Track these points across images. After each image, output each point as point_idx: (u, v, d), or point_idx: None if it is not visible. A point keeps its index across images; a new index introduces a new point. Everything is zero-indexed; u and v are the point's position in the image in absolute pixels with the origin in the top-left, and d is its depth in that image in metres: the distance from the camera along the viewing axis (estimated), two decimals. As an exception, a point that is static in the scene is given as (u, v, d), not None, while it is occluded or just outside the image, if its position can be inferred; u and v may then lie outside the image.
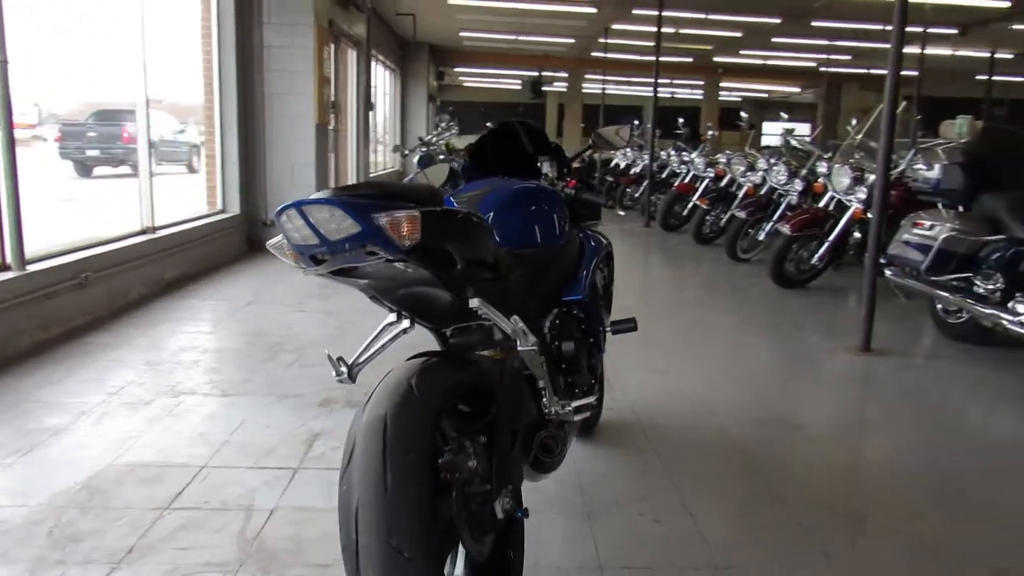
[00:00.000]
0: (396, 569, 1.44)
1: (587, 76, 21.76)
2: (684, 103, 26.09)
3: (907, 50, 14.71)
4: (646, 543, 2.33)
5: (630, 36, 15.41)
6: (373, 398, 1.61)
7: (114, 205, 8.58)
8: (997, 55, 15.65)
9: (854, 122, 6.90)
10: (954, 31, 12.77)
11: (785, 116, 10.40)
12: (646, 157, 13.65)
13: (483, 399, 1.84)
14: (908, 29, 13.27)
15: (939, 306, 4.86)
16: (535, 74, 21.52)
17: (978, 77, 17.57)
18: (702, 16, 13.00)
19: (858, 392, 3.97)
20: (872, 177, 5.96)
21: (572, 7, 12.83)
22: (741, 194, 8.14)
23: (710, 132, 10.77)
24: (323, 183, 8.03)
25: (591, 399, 2.22)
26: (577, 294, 2.42)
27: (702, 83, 22.29)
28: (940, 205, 5.04)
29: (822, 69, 19.86)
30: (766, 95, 26.86)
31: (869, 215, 5.98)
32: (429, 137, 10.47)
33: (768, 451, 3.10)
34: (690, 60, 19.07)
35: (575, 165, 2.94)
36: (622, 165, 15.05)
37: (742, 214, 7.42)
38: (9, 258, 4.04)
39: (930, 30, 11.91)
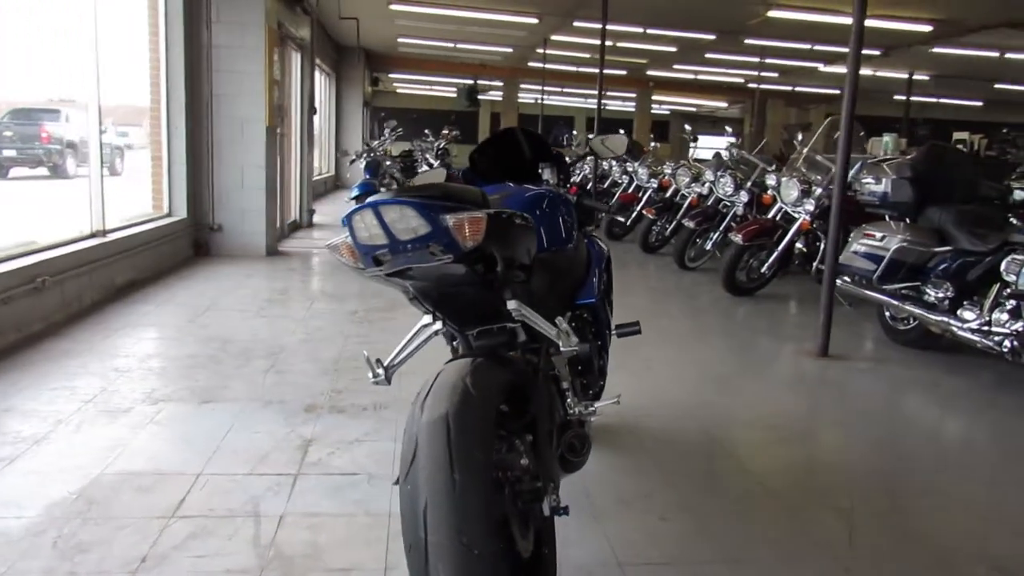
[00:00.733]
0: (467, 565, 1.46)
1: (522, 85, 21.95)
2: (617, 115, 26.64)
3: (836, 69, 15.26)
4: (657, 540, 2.40)
5: (567, 47, 15.65)
6: (429, 400, 1.62)
7: (47, 207, 8.23)
8: (915, 76, 16.53)
9: (800, 137, 7.19)
10: (878, 52, 13.45)
11: (729, 130, 10.74)
12: (587, 167, 13.93)
13: (519, 399, 1.87)
14: (837, 50, 13.75)
15: (888, 313, 5.12)
16: (471, 82, 21.60)
17: (896, 97, 18.54)
18: (641, 31, 13.30)
19: (824, 394, 4.15)
20: (819, 190, 6.25)
21: (515, 17, 12.95)
22: (686, 205, 8.38)
23: (653, 144, 11.03)
24: (273, 187, 7.89)
25: (613, 399, 2.28)
26: (590, 297, 2.47)
27: (634, 95, 22.76)
28: (887, 217, 5.32)
29: (750, 85, 20.58)
30: (695, 109, 27.64)
31: (817, 226, 6.30)
32: (375, 143, 10.41)
33: (752, 451, 3.22)
34: (623, 73, 19.46)
35: None
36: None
37: (691, 224, 7.63)
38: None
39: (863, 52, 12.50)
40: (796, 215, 6.33)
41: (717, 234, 7.56)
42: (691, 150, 10.71)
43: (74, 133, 11.18)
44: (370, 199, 1.57)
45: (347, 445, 3.02)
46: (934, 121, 22.68)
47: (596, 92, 9.62)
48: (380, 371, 2.02)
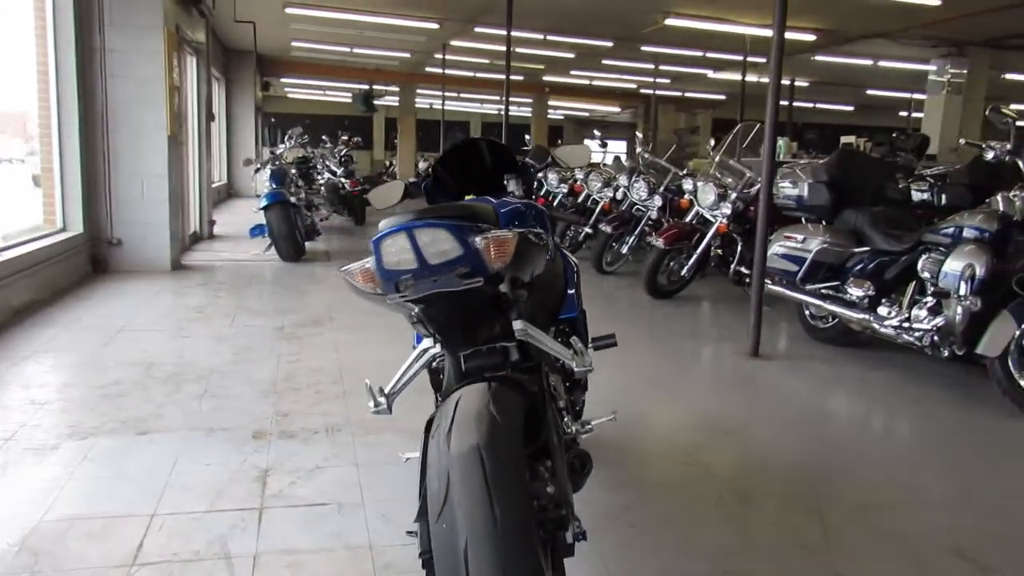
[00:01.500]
0: (512, 604, 1.39)
1: (418, 90, 21.77)
2: (513, 119, 26.78)
3: (724, 76, 15.86)
4: (648, 554, 2.39)
5: (467, 53, 15.62)
6: (455, 431, 1.53)
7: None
8: (796, 83, 17.41)
9: (712, 143, 7.41)
10: (764, 60, 14.08)
11: (639, 136, 10.97)
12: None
13: (532, 423, 1.81)
14: (727, 57, 14.25)
15: (808, 312, 5.34)
16: (367, 87, 21.24)
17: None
18: (541, 37, 13.42)
19: (765, 395, 4.27)
20: (734, 195, 6.46)
21: (415, 23, 12.81)
22: (598, 209, 8.50)
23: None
24: (176, 198, 7.47)
25: (610, 416, 2.24)
26: (571, 311, 2.44)
27: (530, 100, 22.98)
28: (804, 220, 5.55)
29: (643, 91, 21.16)
30: (588, 114, 28.19)
31: (733, 229, 6.51)
32: (281, 150, 10.04)
33: (714, 455, 3.27)
34: (521, 78, 19.60)
35: None
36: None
37: (608, 228, 7.73)
38: None
39: (749, 59, 13.08)
40: (713, 219, 6.52)
41: (633, 238, 7.69)
42: (602, 155, 10.86)
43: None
44: (399, 222, 1.47)
45: (308, 473, 2.86)
46: (814, 125, 24.05)
47: (492, 97, 9.70)
48: (382, 399, 1.90)
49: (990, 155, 3.99)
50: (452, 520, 1.44)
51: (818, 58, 13.70)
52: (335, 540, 2.38)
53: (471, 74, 18.73)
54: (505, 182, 2.74)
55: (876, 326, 4.54)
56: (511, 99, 23.27)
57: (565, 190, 9.69)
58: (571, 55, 15.64)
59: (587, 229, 8.61)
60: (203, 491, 2.67)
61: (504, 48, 9.40)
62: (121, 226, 7.04)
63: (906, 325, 4.37)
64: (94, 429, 3.21)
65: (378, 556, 2.28)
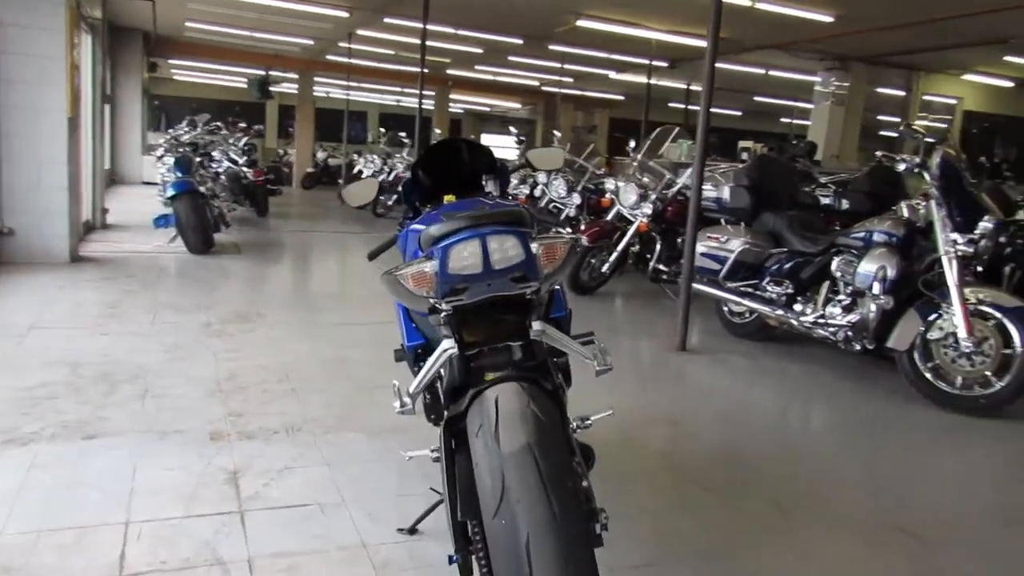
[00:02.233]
0: (573, 595, 1.46)
1: (316, 79, 21.24)
2: (411, 111, 26.57)
3: (624, 77, 16.30)
4: (633, 542, 2.50)
5: (371, 43, 15.40)
6: (503, 431, 1.58)
7: None
8: (692, 87, 18.13)
9: (632, 144, 7.65)
10: (665, 64, 14.60)
11: (557, 135, 11.14)
12: (399, 165, 13.81)
13: None
14: (631, 59, 14.67)
15: (726, 308, 5.63)
16: (263, 73, 20.53)
17: (671, 104, 20.22)
18: (452, 31, 13.40)
19: (700, 387, 4.48)
20: (654, 195, 6.71)
21: (324, 9, 12.51)
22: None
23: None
24: (76, 185, 7.04)
25: (607, 412, 2.33)
26: (560, 311, 2.50)
27: (432, 93, 22.83)
28: (723, 221, 5.83)
29: (544, 88, 21.45)
30: (488, 109, 28.29)
31: (652, 228, 6.76)
32: (184, 135, 9.62)
33: (669, 446, 3.43)
34: (426, 71, 19.45)
35: None
36: (366, 172, 15.00)
37: (586, 241, 7.79)
38: None
39: (654, 63, 13.53)
40: (633, 218, 6.75)
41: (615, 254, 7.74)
42: (517, 152, 10.99)
43: None
44: (468, 229, 1.50)
45: (279, 474, 2.82)
46: (711, 130, 24.99)
47: (391, 89, 9.59)
48: (407, 399, 1.90)
49: (902, 167, 4.34)
50: (511, 516, 1.49)
51: (717, 65, 14.31)
52: (326, 541, 2.36)
53: (375, 64, 18.45)
54: (483, 182, 2.78)
55: (794, 322, 4.85)
56: (411, 91, 23.02)
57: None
58: (479, 50, 15.68)
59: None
60: (173, 496, 2.59)
61: (413, 40, 9.34)
62: (14, 215, 6.58)
63: (822, 321, 4.69)
64: (34, 435, 3.03)
65: (374, 555, 2.29)
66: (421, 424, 2.26)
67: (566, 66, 16.22)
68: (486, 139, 24.95)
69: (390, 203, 12.88)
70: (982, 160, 10.17)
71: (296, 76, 20.87)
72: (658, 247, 6.69)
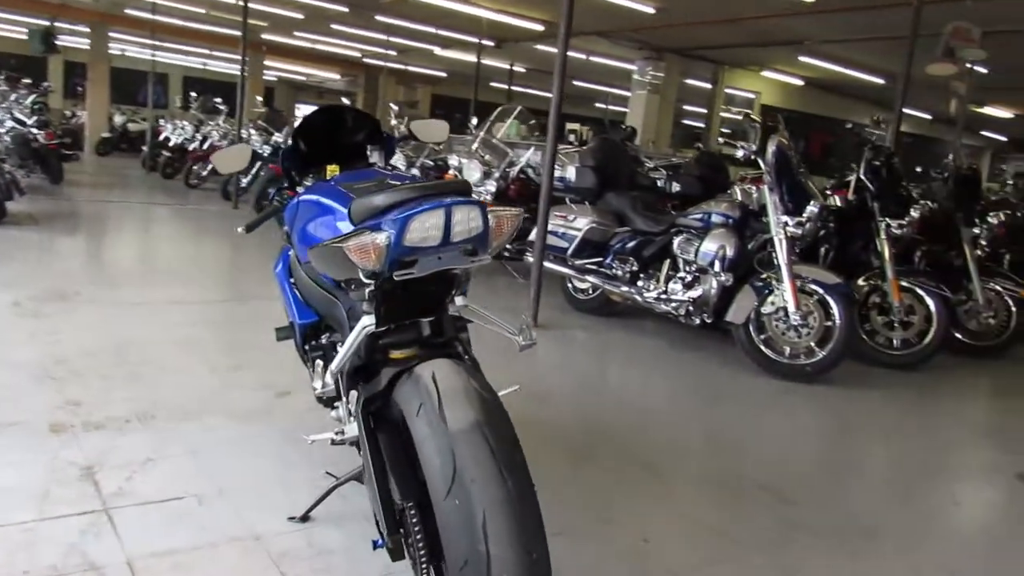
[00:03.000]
0: (530, 571, 1.46)
1: (113, 35, 19.34)
2: (222, 77, 25.01)
3: (448, 54, 16.29)
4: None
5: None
6: (448, 409, 1.53)
7: None
8: (515, 68, 18.43)
9: (474, 121, 7.64)
10: (492, 43, 14.72)
11: (395, 108, 10.79)
12: (214, 133, 12.92)
13: None
14: (456, 36, 14.70)
15: (571, 284, 5.81)
16: (47, 23, 18.36)
17: (492, 84, 20.45)
18: (273, -7, 12.72)
19: (556, 361, 4.54)
20: (497, 172, 6.77)
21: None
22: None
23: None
24: None
25: (514, 388, 2.32)
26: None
27: (246, 59, 21.53)
28: (568, 200, 6.00)
29: (366, 60, 20.91)
30: (304, 78, 27.13)
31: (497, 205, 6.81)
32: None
33: (540, 420, 3.49)
34: (238, 34, 18.31)
35: None
36: (175, 140, 13.86)
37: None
38: None
39: (484, 42, 13.58)
40: (477, 195, 6.77)
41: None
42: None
43: None
44: (428, 199, 1.41)
45: (141, 466, 2.57)
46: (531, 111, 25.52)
47: (197, 50, 9.05)
48: (330, 380, 1.79)
49: (740, 153, 4.67)
50: (466, 496, 1.45)
51: (539, 47, 14.63)
52: (213, 535, 2.19)
53: (181, 23, 17.10)
54: (368, 152, 2.67)
55: (638, 298, 5.10)
56: (220, 54, 21.60)
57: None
58: (300, 15, 14.98)
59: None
60: (22, 497, 2.28)
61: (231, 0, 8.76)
62: None
63: (664, 297, 4.97)
64: None
65: (270, 546, 2.15)
66: (290, 406, 2.14)
67: (391, 39, 15.92)
68: (303, 110, 23.96)
69: (204, 173, 12.07)
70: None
71: (88, 30, 18.91)
72: (502, 225, 6.76)
